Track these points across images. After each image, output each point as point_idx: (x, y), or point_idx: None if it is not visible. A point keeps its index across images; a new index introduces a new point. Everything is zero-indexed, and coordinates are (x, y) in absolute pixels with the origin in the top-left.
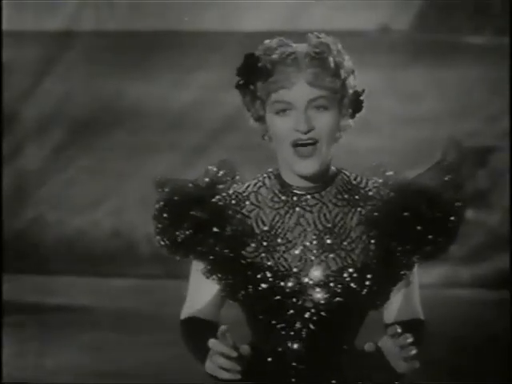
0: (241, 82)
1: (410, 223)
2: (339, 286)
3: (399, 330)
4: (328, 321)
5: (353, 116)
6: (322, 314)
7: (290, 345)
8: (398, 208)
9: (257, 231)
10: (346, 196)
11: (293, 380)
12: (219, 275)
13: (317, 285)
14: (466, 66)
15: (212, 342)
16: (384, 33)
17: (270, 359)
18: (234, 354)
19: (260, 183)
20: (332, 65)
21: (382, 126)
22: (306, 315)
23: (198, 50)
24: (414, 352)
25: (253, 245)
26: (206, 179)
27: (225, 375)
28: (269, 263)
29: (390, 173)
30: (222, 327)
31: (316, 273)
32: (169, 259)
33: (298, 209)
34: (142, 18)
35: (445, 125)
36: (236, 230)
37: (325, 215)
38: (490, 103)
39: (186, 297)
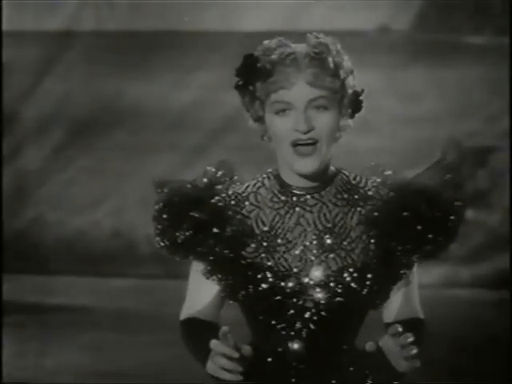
0: (240, 83)
1: (410, 223)
2: (339, 285)
3: (400, 330)
4: (328, 321)
5: (352, 116)
6: (323, 313)
7: (290, 345)
8: (397, 207)
9: (257, 231)
10: (345, 196)
11: (293, 380)
12: (219, 276)
13: (317, 285)
14: (466, 66)
15: (213, 343)
16: (384, 33)
17: (270, 359)
18: (236, 355)
19: (259, 183)
20: (331, 65)
21: (382, 126)
22: (307, 315)
23: (198, 50)
24: (414, 351)
25: (253, 245)
26: (205, 180)
27: (226, 376)
28: (269, 263)
29: (389, 172)
30: (224, 328)
31: (316, 273)
32: (169, 259)
33: (297, 209)
34: (142, 18)
35: (445, 125)
36: (236, 231)
37: (325, 215)
38: (490, 103)
39: (185, 297)
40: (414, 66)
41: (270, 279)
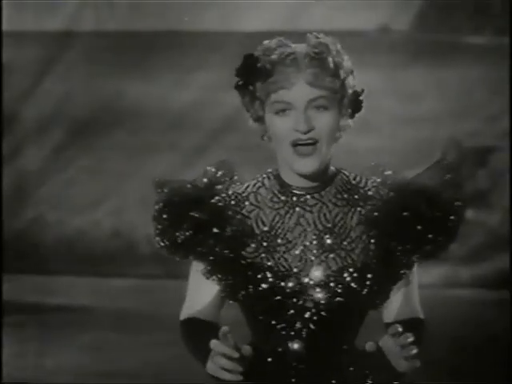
0: (240, 83)
1: (410, 223)
2: (339, 285)
3: (400, 330)
4: (328, 321)
5: (352, 116)
6: (323, 313)
7: (290, 345)
8: (397, 207)
9: (257, 231)
10: (345, 196)
11: (293, 380)
12: (219, 276)
13: (317, 285)
14: (466, 65)
15: (214, 343)
16: (384, 33)
17: (270, 359)
18: (236, 355)
19: (259, 183)
20: (331, 65)
21: (382, 126)
22: (307, 315)
23: (198, 50)
24: (414, 351)
25: (253, 245)
26: (205, 180)
27: (227, 376)
28: (269, 263)
29: (389, 172)
30: (224, 328)
31: (316, 273)
32: (169, 259)
33: (297, 209)
34: (142, 18)
35: (445, 125)
36: (236, 231)
37: (325, 215)
38: (490, 103)
39: (185, 297)
40: (414, 66)
41: (270, 279)
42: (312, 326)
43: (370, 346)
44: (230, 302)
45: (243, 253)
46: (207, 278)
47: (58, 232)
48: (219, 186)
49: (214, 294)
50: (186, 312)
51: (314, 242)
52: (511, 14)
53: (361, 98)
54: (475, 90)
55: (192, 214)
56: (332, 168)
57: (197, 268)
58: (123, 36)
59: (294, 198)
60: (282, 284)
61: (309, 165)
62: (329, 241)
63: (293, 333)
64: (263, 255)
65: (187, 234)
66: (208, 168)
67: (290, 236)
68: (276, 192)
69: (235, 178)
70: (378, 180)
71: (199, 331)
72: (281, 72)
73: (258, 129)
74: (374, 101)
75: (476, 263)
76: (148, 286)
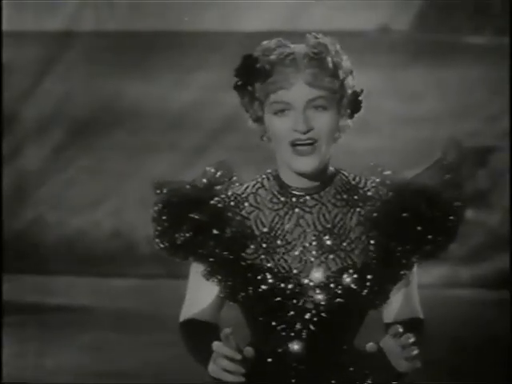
0: (239, 83)
1: (410, 223)
2: (339, 286)
3: (401, 330)
4: (328, 321)
5: (351, 116)
6: (323, 314)
7: (290, 346)
8: (397, 208)
9: (256, 233)
10: (344, 196)
11: (293, 381)
12: (219, 277)
13: (317, 286)
14: (466, 65)
15: (216, 345)
16: (384, 33)
17: (270, 360)
18: (238, 357)
19: (259, 184)
20: (330, 65)
21: (382, 126)
22: (307, 316)
23: (198, 50)
24: (415, 352)
25: (252, 246)
26: (204, 180)
27: (229, 378)
28: (269, 265)
29: (388, 172)
30: (226, 330)
31: (316, 274)
32: (169, 259)
33: (297, 210)
34: (142, 18)
35: (445, 125)
36: (235, 232)
37: (324, 216)
38: (490, 103)
39: (185, 298)
40: (414, 66)
41: (270, 280)
42: (312, 327)
43: (370, 346)
44: (230, 303)
45: (243, 254)
46: (207, 280)
47: (57, 232)
48: (218, 187)
49: (213, 295)
50: (185, 313)
51: (314, 243)
52: (511, 13)
53: (360, 98)
54: (475, 90)
55: (192, 215)
56: (331, 168)
57: (196, 269)
58: (123, 36)
59: (294, 199)
60: (282, 285)
61: (308, 163)
62: (328, 242)
63: (293, 334)
64: (263, 256)
65: (187, 235)
66: (207, 168)
67: (290, 237)
68: (275, 193)
69: (234, 178)
70: (378, 180)
71: (199, 333)
72: (280, 72)
73: (257, 129)
74: (373, 101)
75: (476, 263)
76: (148, 286)
